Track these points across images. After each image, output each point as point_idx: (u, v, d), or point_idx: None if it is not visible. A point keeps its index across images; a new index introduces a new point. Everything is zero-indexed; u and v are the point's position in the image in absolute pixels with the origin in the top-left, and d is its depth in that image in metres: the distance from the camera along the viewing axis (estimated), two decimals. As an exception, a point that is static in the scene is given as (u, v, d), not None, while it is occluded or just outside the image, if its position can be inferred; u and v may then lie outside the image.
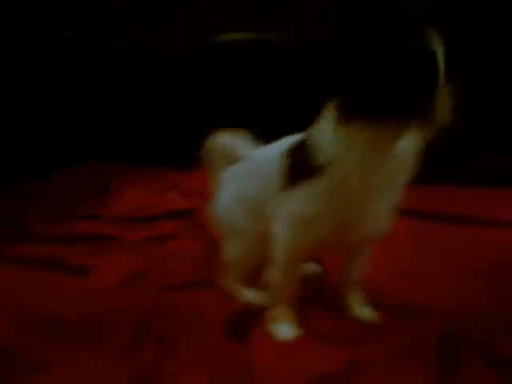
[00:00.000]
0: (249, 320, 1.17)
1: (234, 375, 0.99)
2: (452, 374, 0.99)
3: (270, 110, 2.22)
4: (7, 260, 1.50)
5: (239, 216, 1.22)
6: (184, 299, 1.26)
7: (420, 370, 0.99)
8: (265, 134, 1.25)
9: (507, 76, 1.98)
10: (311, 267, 1.38)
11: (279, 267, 1.11)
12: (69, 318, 1.17)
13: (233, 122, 1.26)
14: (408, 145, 0.94)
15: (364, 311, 1.19)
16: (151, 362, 1.03)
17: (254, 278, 1.26)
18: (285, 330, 1.12)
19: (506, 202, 1.82)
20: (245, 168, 1.27)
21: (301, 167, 1.02)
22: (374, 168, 0.94)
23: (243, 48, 2.26)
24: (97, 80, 2.43)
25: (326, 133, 0.96)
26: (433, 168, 1.87)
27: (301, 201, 1.03)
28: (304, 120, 1.09)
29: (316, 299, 1.26)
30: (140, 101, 2.45)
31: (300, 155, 1.03)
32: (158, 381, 0.98)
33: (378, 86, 0.85)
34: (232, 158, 1.32)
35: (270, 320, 1.14)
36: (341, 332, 1.13)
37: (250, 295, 1.26)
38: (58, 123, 2.36)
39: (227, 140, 1.34)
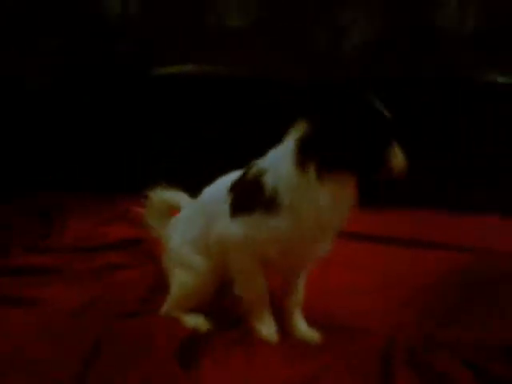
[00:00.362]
0: (197, 345, 1.20)
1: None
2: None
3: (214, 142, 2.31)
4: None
5: (190, 257, 1.30)
6: (132, 327, 1.28)
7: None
8: (206, 167, 1.33)
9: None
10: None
11: (244, 283, 1.22)
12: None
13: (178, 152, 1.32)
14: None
15: (307, 332, 1.26)
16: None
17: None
18: (269, 331, 1.23)
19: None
20: (187, 212, 1.38)
21: (253, 198, 1.13)
22: (329, 213, 1.09)
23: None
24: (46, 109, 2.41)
25: (287, 173, 1.09)
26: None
27: (249, 226, 1.14)
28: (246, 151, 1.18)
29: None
30: (89, 128, 2.46)
31: (252, 186, 1.14)
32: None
33: (339, 145, 1.06)
34: (171, 211, 1.46)
35: (253, 328, 1.24)
36: (285, 352, 1.18)
37: (195, 320, 1.30)
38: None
39: (166, 195, 1.47)
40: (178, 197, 1.46)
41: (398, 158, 1.08)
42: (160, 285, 1.44)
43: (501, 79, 2.20)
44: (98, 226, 2.03)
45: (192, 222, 1.32)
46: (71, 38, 2.40)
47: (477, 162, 2.28)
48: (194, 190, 1.37)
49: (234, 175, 1.25)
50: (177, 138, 2.42)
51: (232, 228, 1.16)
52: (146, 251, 1.76)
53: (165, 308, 1.34)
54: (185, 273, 1.30)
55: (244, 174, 1.20)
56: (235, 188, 1.20)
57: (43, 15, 2.39)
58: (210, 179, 1.31)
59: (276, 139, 1.17)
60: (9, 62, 2.30)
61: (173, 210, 1.47)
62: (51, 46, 2.41)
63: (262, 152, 1.20)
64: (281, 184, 1.09)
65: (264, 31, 2.42)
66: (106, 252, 1.79)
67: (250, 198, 1.15)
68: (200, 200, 1.35)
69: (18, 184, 2.36)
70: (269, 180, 1.10)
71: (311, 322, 1.29)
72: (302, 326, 1.27)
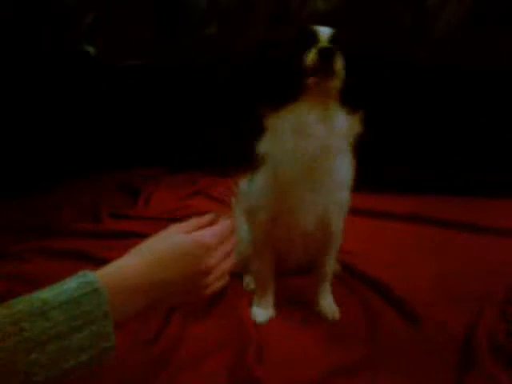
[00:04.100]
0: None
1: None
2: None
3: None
4: (43, 252, 1.61)
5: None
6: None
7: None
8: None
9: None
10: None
11: (254, 255, 1.26)
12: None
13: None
14: (330, 133, 1.04)
15: (327, 307, 1.25)
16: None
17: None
18: (259, 313, 1.23)
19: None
20: None
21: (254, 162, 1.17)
22: (296, 150, 1.04)
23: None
24: (127, 93, 2.56)
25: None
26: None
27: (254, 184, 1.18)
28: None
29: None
30: (171, 111, 2.57)
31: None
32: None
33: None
34: None
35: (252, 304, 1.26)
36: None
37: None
38: (96, 131, 2.50)
39: None
40: None
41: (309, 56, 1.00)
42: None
43: None
44: (180, 200, 2.12)
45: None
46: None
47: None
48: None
49: None
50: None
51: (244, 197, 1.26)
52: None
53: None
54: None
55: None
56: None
57: None
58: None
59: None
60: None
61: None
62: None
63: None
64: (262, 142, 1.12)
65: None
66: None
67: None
68: None
69: (111, 160, 2.51)
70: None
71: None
72: (324, 301, 1.26)
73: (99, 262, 1.49)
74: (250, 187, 1.21)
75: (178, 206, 2.05)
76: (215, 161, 2.44)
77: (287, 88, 1.04)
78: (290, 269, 1.36)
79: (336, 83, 1.02)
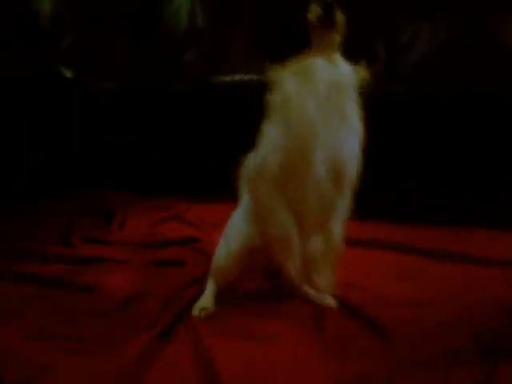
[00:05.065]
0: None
1: None
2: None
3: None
4: (15, 277, 1.57)
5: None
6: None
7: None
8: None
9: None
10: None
11: (264, 215, 1.23)
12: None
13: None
14: (338, 74, 1.12)
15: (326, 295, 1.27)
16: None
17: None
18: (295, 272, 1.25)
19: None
20: None
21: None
22: (309, 90, 1.09)
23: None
24: (103, 113, 2.55)
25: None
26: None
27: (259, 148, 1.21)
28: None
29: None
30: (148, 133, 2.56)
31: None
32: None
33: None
34: None
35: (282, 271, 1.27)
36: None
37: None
38: (71, 153, 2.48)
39: None
40: None
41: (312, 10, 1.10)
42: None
43: None
44: (155, 225, 2.11)
45: None
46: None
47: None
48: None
49: None
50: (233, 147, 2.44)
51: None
52: (200, 249, 1.81)
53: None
54: None
55: None
56: None
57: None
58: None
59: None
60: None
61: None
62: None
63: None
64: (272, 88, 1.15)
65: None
66: (161, 248, 1.85)
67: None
68: None
69: (85, 182, 2.49)
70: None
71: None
72: (323, 281, 1.27)
73: (71, 287, 1.52)
74: (259, 144, 1.21)
75: (153, 231, 2.03)
76: (190, 186, 2.44)
77: (292, 40, 1.12)
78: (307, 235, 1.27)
79: (338, 36, 1.11)
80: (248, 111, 2.30)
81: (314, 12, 1.08)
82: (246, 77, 2.39)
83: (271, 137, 1.14)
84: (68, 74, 2.52)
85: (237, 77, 2.41)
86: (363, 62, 1.13)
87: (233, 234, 1.31)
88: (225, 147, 2.39)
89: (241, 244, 1.27)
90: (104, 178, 2.54)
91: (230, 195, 1.46)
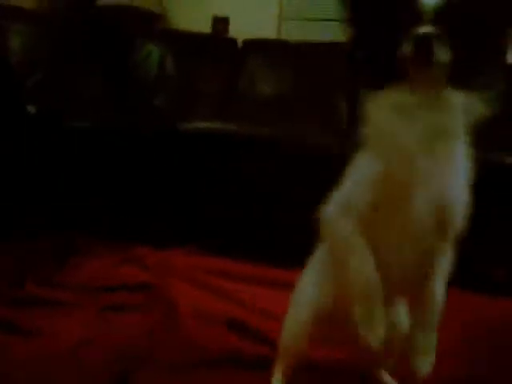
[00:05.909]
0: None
1: None
2: None
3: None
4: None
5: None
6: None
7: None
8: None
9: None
10: None
11: (339, 257, 1.00)
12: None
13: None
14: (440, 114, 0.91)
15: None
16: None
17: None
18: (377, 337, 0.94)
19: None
20: None
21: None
22: (408, 126, 0.91)
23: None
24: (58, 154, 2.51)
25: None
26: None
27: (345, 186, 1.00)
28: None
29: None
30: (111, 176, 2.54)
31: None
32: None
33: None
34: None
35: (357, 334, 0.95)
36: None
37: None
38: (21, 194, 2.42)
39: None
40: None
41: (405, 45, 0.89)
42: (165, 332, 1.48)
43: None
44: (109, 268, 2.06)
45: None
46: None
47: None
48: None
49: None
50: (196, 195, 2.45)
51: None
52: (155, 295, 1.77)
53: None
54: None
55: None
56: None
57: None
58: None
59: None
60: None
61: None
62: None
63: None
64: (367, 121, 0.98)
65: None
66: (115, 292, 1.81)
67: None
68: None
69: (39, 223, 2.42)
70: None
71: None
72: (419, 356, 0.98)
73: (22, 331, 1.46)
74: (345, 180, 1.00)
75: (109, 274, 1.99)
76: (150, 231, 2.41)
77: (385, 73, 0.94)
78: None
79: (438, 72, 0.89)
80: (212, 159, 2.39)
81: (406, 47, 0.87)
82: (213, 125, 2.43)
83: (361, 171, 0.96)
84: (32, 110, 2.49)
85: (202, 124, 2.44)
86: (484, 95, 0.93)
87: (302, 300, 1.10)
88: (187, 194, 2.42)
89: (312, 311, 1.06)
90: (61, 219, 2.48)
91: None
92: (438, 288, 0.98)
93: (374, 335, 0.91)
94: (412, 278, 0.98)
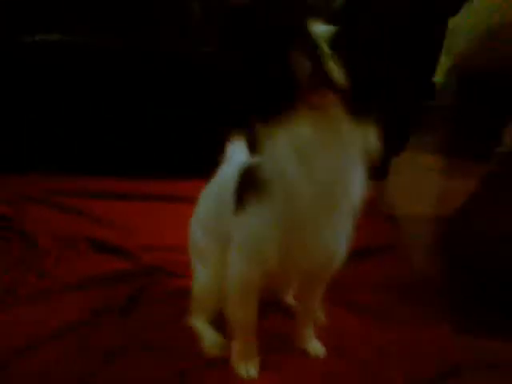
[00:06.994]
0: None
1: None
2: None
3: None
4: None
5: (201, 239, 1.08)
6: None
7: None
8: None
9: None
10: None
11: (234, 301, 0.97)
12: None
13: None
14: (341, 159, 0.81)
15: (312, 345, 1.10)
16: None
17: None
18: (247, 368, 1.00)
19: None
20: (210, 185, 1.13)
21: (249, 187, 0.89)
22: (304, 179, 0.80)
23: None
24: None
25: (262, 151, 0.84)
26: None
27: (249, 222, 0.89)
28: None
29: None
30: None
31: (248, 176, 0.90)
32: None
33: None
34: None
35: (233, 357, 1.01)
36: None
37: (210, 341, 1.08)
38: None
39: None
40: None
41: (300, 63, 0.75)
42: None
43: None
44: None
45: (205, 201, 1.12)
46: None
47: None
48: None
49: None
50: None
51: (241, 230, 0.92)
52: (13, 229, 1.54)
53: (188, 317, 1.12)
54: (198, 266, 1.08)
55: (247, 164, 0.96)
56: (239, 178, 0.95)
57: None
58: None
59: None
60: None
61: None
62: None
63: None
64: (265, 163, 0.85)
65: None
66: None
67: (249, 190, 0.89)
68: (216, 179, 1.10)
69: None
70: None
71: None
72: (308, 338, 1.10)
73: None
74: (239, 225, 0.91)
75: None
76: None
77: (277, 97, 0.78)
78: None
79: (336, 96, 0.77)
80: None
81: (297, 63, 0.74)
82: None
83: (259, 222, 0.87)
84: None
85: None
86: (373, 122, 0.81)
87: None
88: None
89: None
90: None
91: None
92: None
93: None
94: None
